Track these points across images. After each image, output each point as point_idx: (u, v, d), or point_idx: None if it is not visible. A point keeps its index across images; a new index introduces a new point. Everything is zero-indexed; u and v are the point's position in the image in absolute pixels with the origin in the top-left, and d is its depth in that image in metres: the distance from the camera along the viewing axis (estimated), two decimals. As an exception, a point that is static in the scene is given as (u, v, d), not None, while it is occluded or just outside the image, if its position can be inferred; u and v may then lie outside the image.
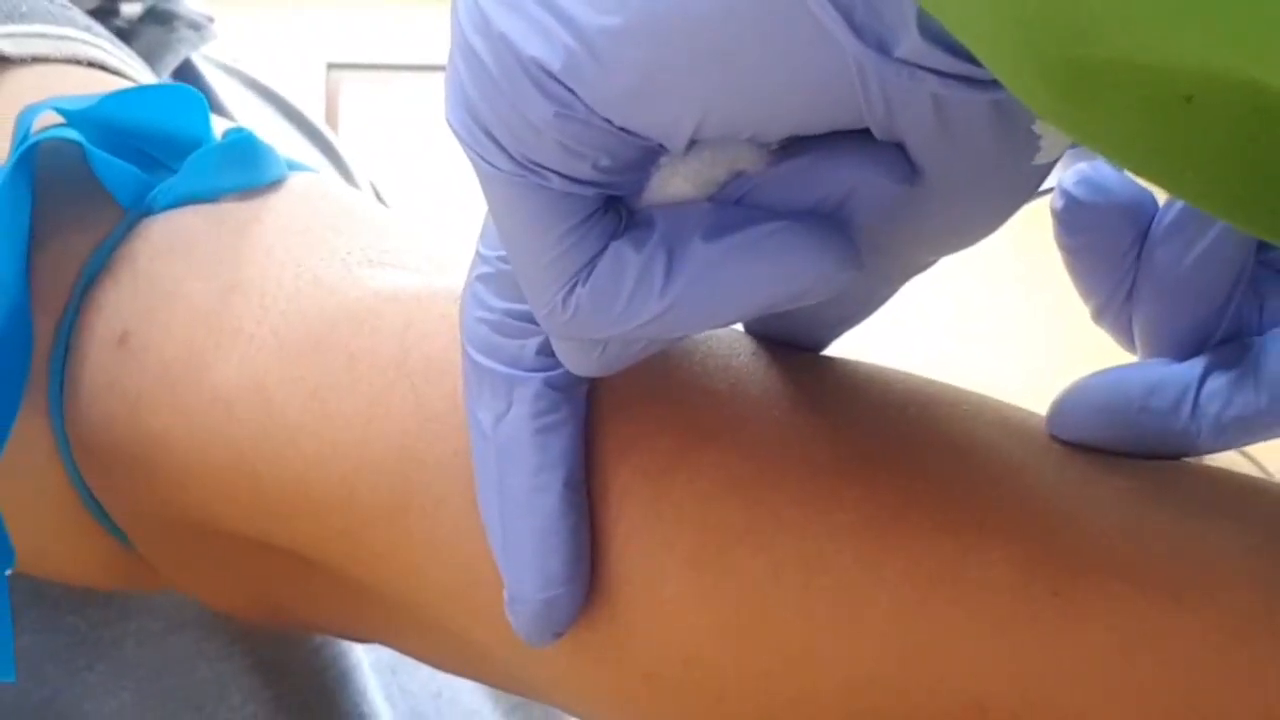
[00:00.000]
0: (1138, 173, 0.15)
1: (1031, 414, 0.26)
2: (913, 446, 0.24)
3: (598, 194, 0.21)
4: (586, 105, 0.18)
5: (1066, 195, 0.24)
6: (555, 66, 0.18)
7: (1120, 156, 0.15)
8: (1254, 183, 0.14)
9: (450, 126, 0.20)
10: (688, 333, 0.22)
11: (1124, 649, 0.21)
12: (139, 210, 0.30)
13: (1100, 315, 0.26)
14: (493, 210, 0.21)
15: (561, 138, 0.19)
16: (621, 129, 0.19)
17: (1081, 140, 0.15)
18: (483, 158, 0.20)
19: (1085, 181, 0.24)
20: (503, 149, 0.20)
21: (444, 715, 0.42)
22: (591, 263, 0.21)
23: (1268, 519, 0.23)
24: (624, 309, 0.21)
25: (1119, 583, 0.22)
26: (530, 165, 0.20)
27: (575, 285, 0.21)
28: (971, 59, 0.17)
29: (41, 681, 0.35)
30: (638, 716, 0.26)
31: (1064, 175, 0.25)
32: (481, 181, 0.21)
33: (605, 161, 0.20)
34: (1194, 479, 0.24)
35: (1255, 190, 0.14)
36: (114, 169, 0.30)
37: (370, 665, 0.40)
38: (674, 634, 0.24)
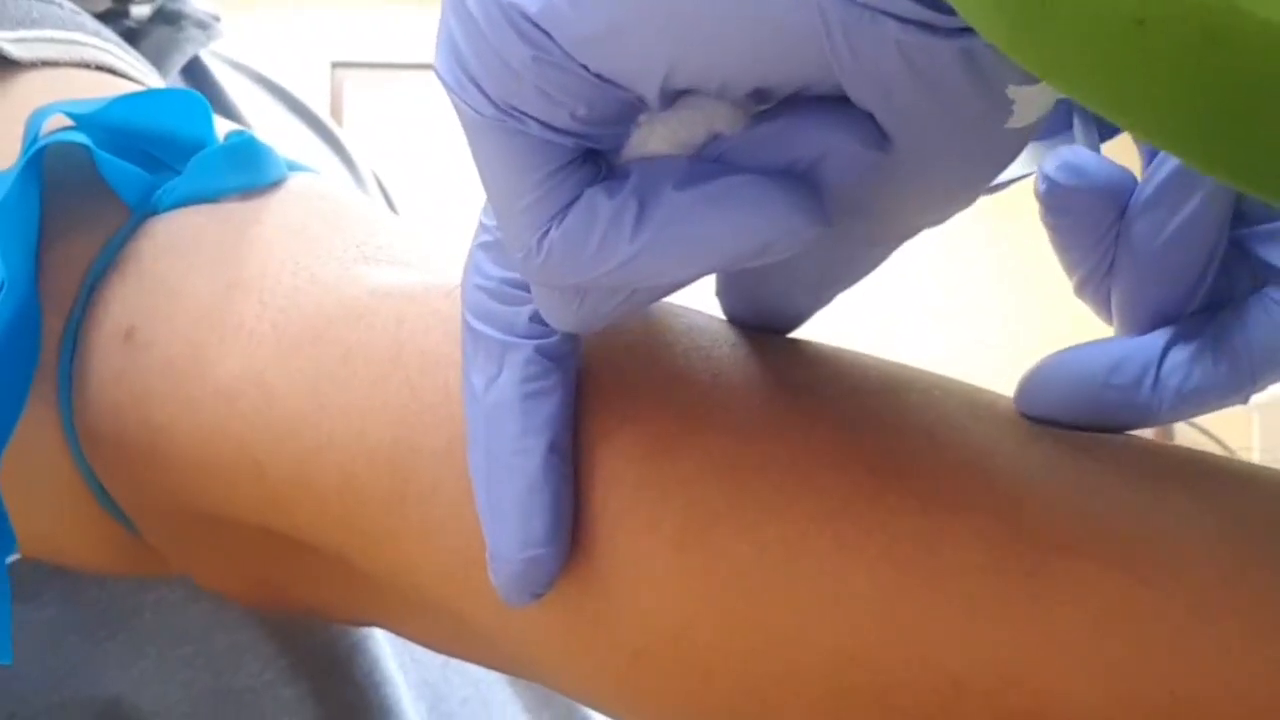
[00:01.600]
0: (1090, 103, 0.15)
1: (1000, 396, 0.27)
2: (888, 431, 0.25)
3: (576, 144, 0.21)
4: (562, 49, 0.19)
5: (1049, 179, 0.25)
6: (532, 10, 0.19)
7: (1073, 87, 0.15)
8: (1204, 113, 0.14)
9: (438, 75, 0.21)
10: (658, 282, 0.22)
11: (1095, 628, 0.22)
12: (144, 210, 0.31)
13: (1082, 289, 0.27)
14: (476, 158, 0.22)
15: (540, 83, 0.20)
16: (597, 76, 0.19)
17: (1038, 71, 0.15)
18: (468, 104, 0.21)
19: (1066, 165, 0.25)
20: (486, 95, 0.20)
21: (451, 683, 0.43)
22: (566, 208, 0.21)
23: (1231, 497, 0.24)
24: (595, 253, 0.21)
25: (1088, 563, 0.22)
26: (511, 111, 0.20)
27: (550, 229, 0.21)
28: (934, 5, 0.17)
29: (65, 651, 0.36)
30: (628, 694, 0.27)
31: (1046, 160, 0.25)
32: (466, 129, 0.21)
33: (583, 110, 0.20)
34: (1161, 458, 0.25)
35: (1205, 121, 0.14)
36: (120, 170, 0.31)
37: (382, 634, 0.40)
38: (661, 614, 0.24)
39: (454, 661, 0.43)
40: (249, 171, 0.32)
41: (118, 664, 0.36)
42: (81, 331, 0.30)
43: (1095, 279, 0.26)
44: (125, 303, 0.30)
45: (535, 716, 0.45)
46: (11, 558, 0.34)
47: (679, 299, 0.27)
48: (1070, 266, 0.26)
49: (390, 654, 0.40)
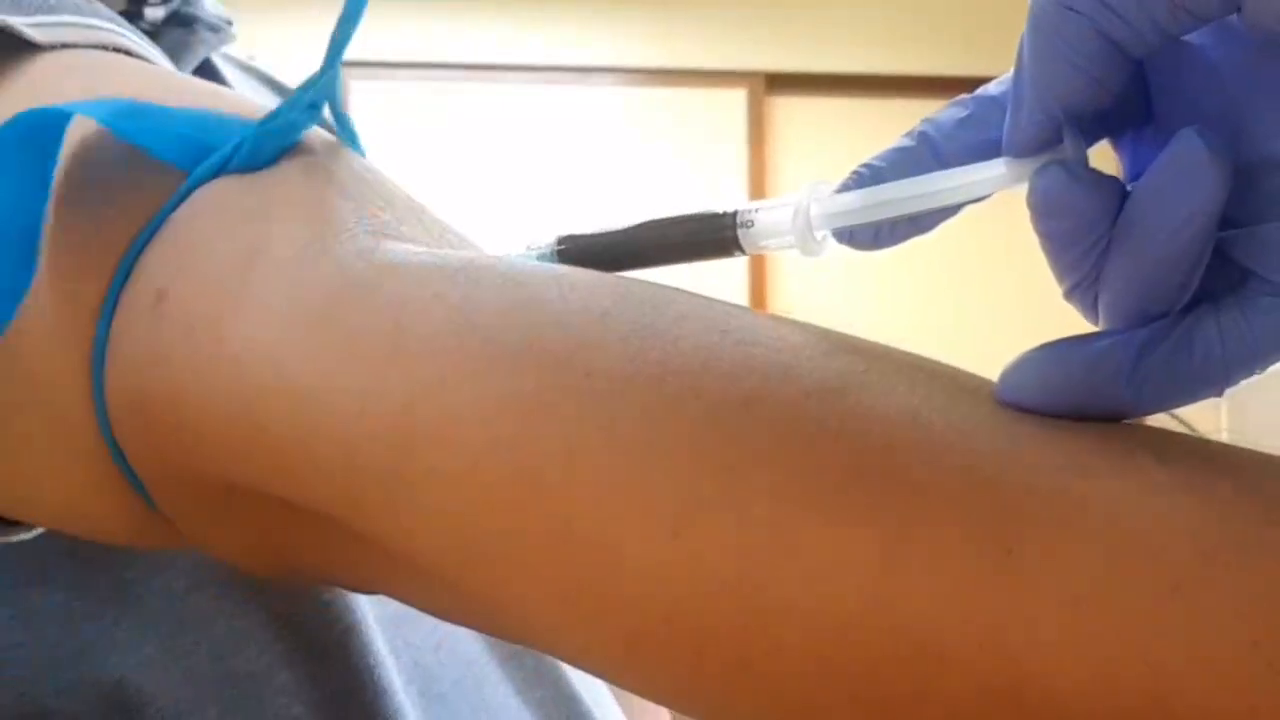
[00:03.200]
0: None
1: (984, 379, 0.27)
2: (870, 413, 0.25)
3: None
4: None
5: (1041, 190, 0.26)
6: None
7: None
8: None
9: None
10: None
11: (1073, 603, 0.22)
12: (194, 180, 0.31)
13: (1070, 295, 0.27)
14: None
15: None
16: None
17: None
18: None
19: (1058, 176, 0.25)
20: None
21: (444, 665, 0.43)
22: None
23: (1206, 476, 0.24)
24: None
25: (1065, 541, 0.23)
26: None
27: None
28: None
29: (75, 634, 0.37)
30: (624, 669, 0.27)
31: (1036, 169, 0.26)
32: None
33: None
34: (1138, 440, 0.25)
35: None
36: (170, 138, 0.31)
37: (375, 619, 0.41)
38: (653, 597, 0.25)
39: (446, 644, 0.44)
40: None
41: (124, 648, 0.37)
42: (121, 298, 0.30)
43: (1084, 285, 0.27)
44: (161, 265, 0.30)
45: (526, 697, 0.46)
46: (28, 535, 0.35)
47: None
48: (1060, 274, 0.27)
49: (382, 638, 0.41)
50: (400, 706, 0.40)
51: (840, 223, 0.28)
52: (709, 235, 0.29)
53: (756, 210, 0.29)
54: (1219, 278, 0.26)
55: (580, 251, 0.31)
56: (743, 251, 0.30)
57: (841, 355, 0.27)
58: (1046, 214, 0.26)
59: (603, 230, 0.31)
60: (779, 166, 3.24)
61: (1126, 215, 0.25)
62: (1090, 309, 0.27)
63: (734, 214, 0.29)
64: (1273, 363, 0.26)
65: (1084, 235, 0.26)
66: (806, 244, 0.28)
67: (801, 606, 0.24)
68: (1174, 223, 0.25)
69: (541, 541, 0.26)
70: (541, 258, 0.30)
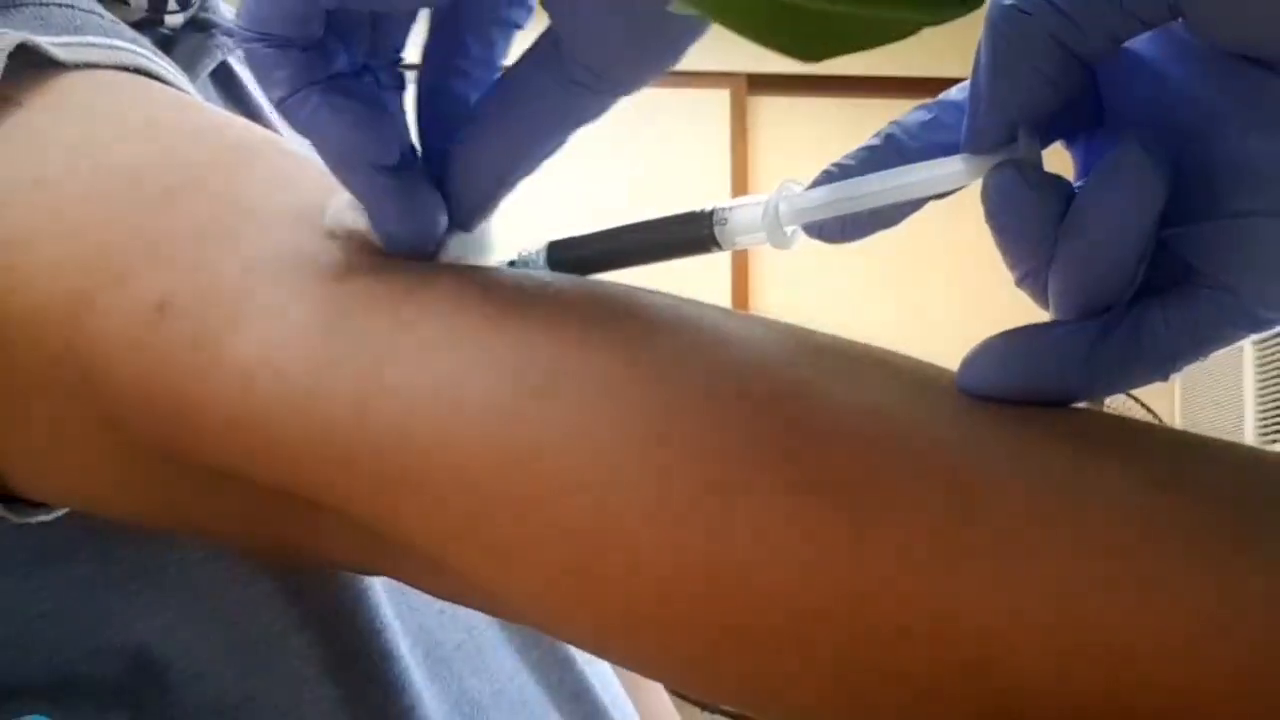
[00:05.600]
0: None
1: (946, 371, 0.28)
2: (838, 408, 0.26)
3: None
4: None
5: (994, 186, 0.27)
6: None
7: None
8: None
9: None
10: None
11: (1027, 582, 0.23)
12: None
13: (1022, 282, 0.28)
14: None
15: None
16: None
17: None
18: None
19: (1008, 175, 0.26)
20: None
21: (447, 629, 0.44)
22: None
23: (1158, 460, 0.26)
24: None
25: (1022, 527, 0.24)
26: None
27: None
28: None
29: (99, 604, 0.38)
30: (614, 646, 0.29)
31: (990, 169, 0.27)
32: None
33: None
34: (1094, 425, 0.27)
35: None
36: None
37: (381, 586, 0.42)
38: (642, 579, 0.26)
39: (449, 609, 0.45)
40: None
41: (145, 615, 0.38)
42: (120, 302, 0.31)
43: (1035, 273, 0.27)
44: (160, 274, 0.31)
45: (524, 657, 0.47)
46: (49, 516, 0.36)
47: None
48: (1013, 263, 0.28)
49: (388, 604, 0.42)
50: (406, 669, 0.41)
51: (807, 218, 0.29)
52: (688, 234, 0.30)
53: (730, 209, 0.30)
54: (1164, 271, 0.27)
55: (569, 255, 0.31)
56: (720, 247, 0.30)
57: (809, 353, 0.28)
58: (998, 211, 0.27)
59: (589, 234, 0.31)
60: (760, 164, 3.25)
61: (1071, 219, 0.26)
62: (1041, 296, 0.28)
63: (710, 213, 0.30)
64: (1214, 350, 0.27)
65: (1032, 232, 0.27)
66: (776, 238, 0.29)
67: (780, 591, 0.25)
68: (1113, 229, 0.26)
69: (534, 533, 0.26)
70: (531, 263, 0.31)
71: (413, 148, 0.30)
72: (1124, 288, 0.27)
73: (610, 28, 0.28)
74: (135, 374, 0.30)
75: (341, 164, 0.29)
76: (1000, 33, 0.26)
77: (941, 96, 0.30)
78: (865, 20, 0.22)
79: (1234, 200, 0.26)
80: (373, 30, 0.29)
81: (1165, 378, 0.27)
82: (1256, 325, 0.27)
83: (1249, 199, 0.26)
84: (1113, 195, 0.26)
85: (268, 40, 0.28)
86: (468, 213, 0.31)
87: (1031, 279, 0.28)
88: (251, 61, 0.28)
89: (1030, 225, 0.27)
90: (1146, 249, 0.26)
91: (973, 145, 0.27)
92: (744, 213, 0.30)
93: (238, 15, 0.28)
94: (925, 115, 0.29)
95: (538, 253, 0.31)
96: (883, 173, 0.28)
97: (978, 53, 0.27)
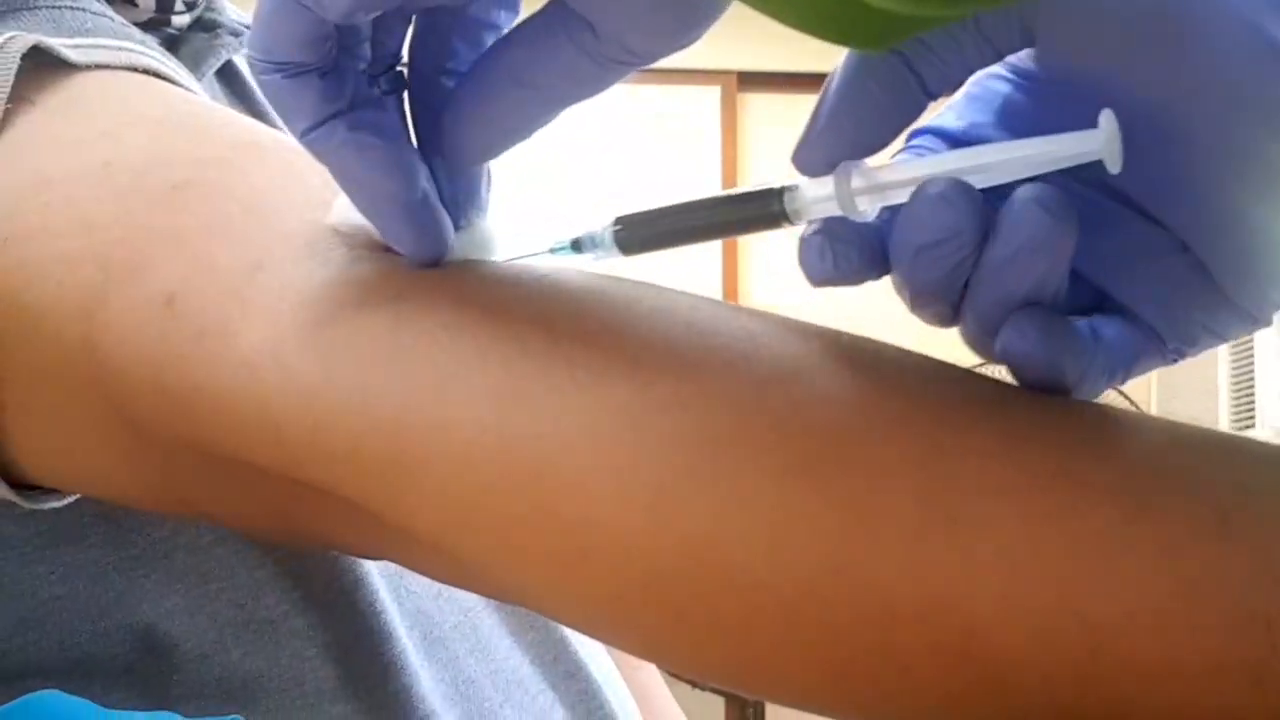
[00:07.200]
0: None
1: (927, 358, 0.28)
2: (824, 396, 0.26)
3: None
4: None
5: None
6: None
7: None
8: None
9: None
10: None
11: (1009, 562, 0.24)
12: None
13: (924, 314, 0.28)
14: None
15: None
16: None
17: None
18: None
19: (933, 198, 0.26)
20: None
21: (444, 611, 0.45)
22: None
23: (1131, 443, 0.26)
24: None
25: (1004, 506, 0.24)
26: None
27: None
28: None
29: (109, 587, 0.38)
30: (607, 627, 0.30)
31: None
32: None
33: None
34: (1069, 411, 0.27)
35: None
36: None
37: (379, 570, 0.43)
38: (633, 562, 0.26)
39: (446, 592, 0.45)
40: None
41: (153, 597, 0.39)
42: (129, 298, 0.32)
43: (947, 310, 0.28)
44: (168, 270, 0.31)
45: (520, 638, 0.48)
46: (60, 502, 0.36)
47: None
48: (921, 308, 0.28)
49: (386, 588, 0.43)
50: (404, 650, 0.42)
51: (878, 198, 0.28)
52: (759, 210, 0.29)
53: (797, 187, 0.29)
54: (1082, 297, 0.28)
55: (637, 232, 0.31)
56: (790, 222, 0.29)
57: (796, 342, 0.28)
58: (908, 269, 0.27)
59: (656, 209, 0.30)
60: (750, 161, 3.26)
61: (983, 266, 0.27)
62: (946, 319, 0.29)
63: (781, 190, 0.29)
64: (1137, 370, 0.29)
65: (954, 254, 0.27)
66: (848, 208, 0.28)
67: (767, 573, 0.25)
68: (1026, 283, 0.26)
69: (531, 520, 0.27)
70: (599, 239, 0.31)
71: (428, 173, 0.30)
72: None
73: None
74: (146, 365, 0.31)
75: (363, 199, 0.30)
76: (853, 70, 0.28)
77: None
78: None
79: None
80: (371, 37, 0.30)
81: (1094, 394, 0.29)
82: (1164, 356, 0.29)
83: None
84: (1019, 257, 0.26)
85: (284, 71, 0.27)
86: (455, 169, 0.31)
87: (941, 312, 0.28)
88: (268, 94, 0.28)
89: (953, 250, 0.27)
90: (1060, 287, 0.27)
91: (807, 168, 0.29)
92: (811, 190, 0.29)
93: (248, 47, 0.28)
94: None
95: (604, 230, 0.31)
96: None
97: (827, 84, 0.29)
